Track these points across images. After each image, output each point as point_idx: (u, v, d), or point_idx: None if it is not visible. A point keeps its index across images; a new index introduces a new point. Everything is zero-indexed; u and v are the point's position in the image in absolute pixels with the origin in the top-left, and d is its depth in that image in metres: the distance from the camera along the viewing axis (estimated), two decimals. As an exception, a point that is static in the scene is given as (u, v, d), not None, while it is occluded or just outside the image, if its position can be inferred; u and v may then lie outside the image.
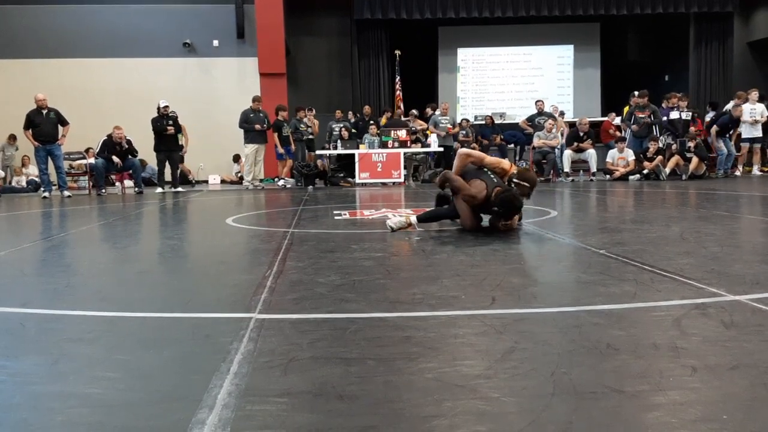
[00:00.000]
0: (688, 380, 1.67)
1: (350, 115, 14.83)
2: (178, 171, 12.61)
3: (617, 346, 1.94)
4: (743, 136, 12.46)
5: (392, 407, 1.54)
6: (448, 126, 13.58)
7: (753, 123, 12.25)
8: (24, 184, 13.64)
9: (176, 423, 1.45)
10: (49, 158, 10.97)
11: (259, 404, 1.56)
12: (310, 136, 13.34)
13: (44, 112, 10.83)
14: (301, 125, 13.04)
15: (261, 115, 12.42)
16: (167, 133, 11.84)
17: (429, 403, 1.55)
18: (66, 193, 11.04)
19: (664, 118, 12.33)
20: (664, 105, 12.65)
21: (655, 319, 2.27)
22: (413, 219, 4.85)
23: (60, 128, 11.01)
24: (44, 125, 10.79)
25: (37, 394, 1.69)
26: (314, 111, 13.77)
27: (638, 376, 1.70)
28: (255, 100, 12.59)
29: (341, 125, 13.63)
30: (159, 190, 11.96)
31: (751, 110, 12.30)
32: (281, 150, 12.80)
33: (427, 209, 5.39)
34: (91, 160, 12.40)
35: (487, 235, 4.53)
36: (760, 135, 12.39)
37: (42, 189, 11.15)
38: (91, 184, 12.31)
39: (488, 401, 1.55)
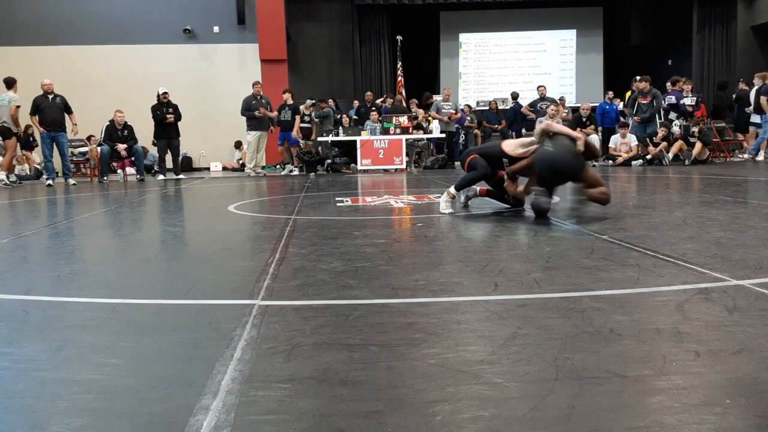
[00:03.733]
0: (691, 365, 1.66)
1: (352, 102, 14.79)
2: (180, 158, 12.60)
3: (620, 331, 1.94)
4: (753, 120, 12.35)
5: (395, 393, 1.54)
6: (451, 111, 13.53)
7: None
8: (27, 171, 13.63)
9: (180, 409, 1.46)
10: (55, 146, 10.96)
11: (262, 390, 1.57)
12: (308, 125, 13.30)
13: (50, 97, 10.80)
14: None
15: (263, 101, 12.36)
16: (167, 121, 11.81)
17: (432, 388, 1.55)
18: (71, 180, 11.03)
19: (681, 102, 12.25)
20: (679, 88, 12.55)
21: (657, 304, 2.27)
22: (451, 190, 5.03)
23: (66, 116, 10.98)
24: (49, 111, 10.75)
25: (41, 381, 1.69)
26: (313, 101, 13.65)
27: (641, 361, 1.70)
28: (254, 84, 12.52)
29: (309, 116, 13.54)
30: (161, 177, 11.96)
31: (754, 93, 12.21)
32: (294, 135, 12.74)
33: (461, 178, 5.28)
34: (86, 149, 12.40)
35: (489, 221, 4.52)
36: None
37: (45, 176, 11.14)
38: (91, 170, 12.32)
39: (491, 386, 1.55)
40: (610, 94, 13.94)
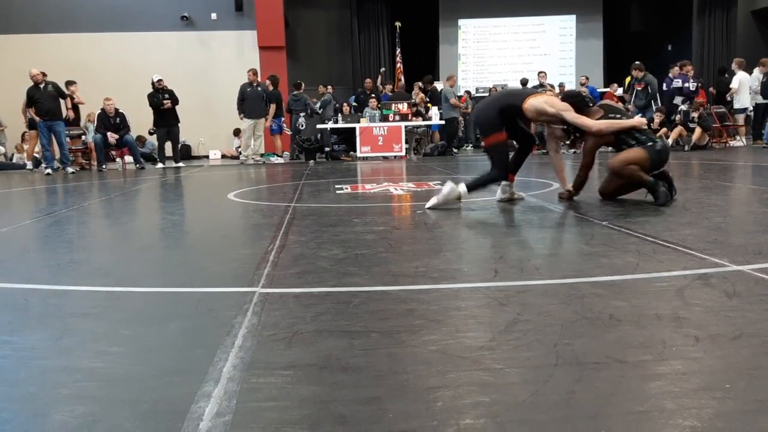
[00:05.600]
0: (691, 350, 1.67)
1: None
2: (179, 146, 12.57)
3: (620, 317, 1.94)
4: (742, 106, 12.36)
5: (396, 379, 1.54)
6: (463, 97, 13.50)
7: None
8: (25, 160, 13.59)
9: (182, 396, 1.46)
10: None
11: (264, 377, 1.57)
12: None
13: (42, 86, 10.72)
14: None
15: (259, 88, 12.27)
16: (164, 107, 11.76)
17: (433, 374, 1.56)
18: (69, 169, 11.00)
19: (686, 85, 12.26)
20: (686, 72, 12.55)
21: (657, 289, 2.27)
22: (462, 189, 4.52)
23: (61, 102, 10.93)
24: (44, 100, 10.69)
25: (43, 369, 1.70)
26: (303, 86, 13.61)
27: (641, 346, 1.70)
28: (249, 72, 12.41)
29: (320, 101, 13.49)
30: (160, 165, 11.94)
31: (738, 81, 12.27)
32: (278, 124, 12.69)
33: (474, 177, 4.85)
34: (78, 131, 12.41)
35: (489, 208, 4.52)
36: (747, 105, 12.36)
37: (44, 165, 11.11)
38: (90, 159, 12.31)
39: (491, 372, 1.56)
40: (582, 79, 14.03)
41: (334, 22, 16.94)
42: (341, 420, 1.34)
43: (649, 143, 4.42)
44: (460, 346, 1.75)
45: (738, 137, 12.66)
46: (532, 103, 4.54)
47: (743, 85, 12.20)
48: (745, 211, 4.33)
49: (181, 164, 12.06)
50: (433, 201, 4.54)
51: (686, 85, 12.25)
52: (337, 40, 16.99)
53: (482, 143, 4.88)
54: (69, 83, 11.61)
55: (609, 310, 2.01)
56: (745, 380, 1.47)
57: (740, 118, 12.45)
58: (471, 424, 1.30)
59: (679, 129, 11.55)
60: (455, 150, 13.32)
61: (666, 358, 1.62)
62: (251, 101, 12.17)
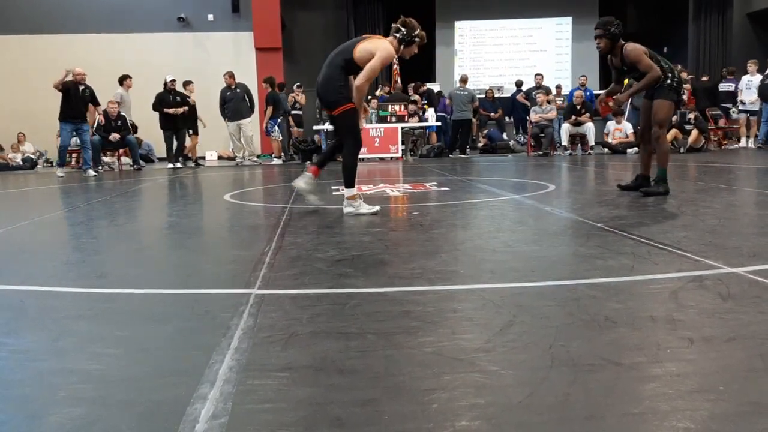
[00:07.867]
0: (685, 352, 1.68)
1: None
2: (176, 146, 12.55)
3: (615, 319, 1.95)
4: (742, 108, 12.43)
5: (392, 381, 1.55)
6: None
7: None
8: (19, 161, 13.56)
9: (178, 398, 1.47)
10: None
11: (260, 379, 1.57)
12: (299, 112, 13.28)
13: (81, 88, 10.64)
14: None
15: (238, 90, 12.25)
16: (177, 112, 11.78)
17: (428, 376, 1.56)
18: (91, 172, 10.71)
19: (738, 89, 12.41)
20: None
21: (652, 291, 2.28)
22: (303, 181, 4.69)
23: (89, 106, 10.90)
24: (77, 102, 10.58)
25: (39, 371, 1.70)
26: (303, 87, 13.59)
27: (635, 349, 1.71)
28: (225, 75, 12.36)
29: None
30: (170, 165, 11.92)
31: (748, 81, 12.27)
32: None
33: None
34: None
35: (484, 209, 4.53)
36: (757, 108, 12.36)
37: (83, 167, 10.83)
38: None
39: (487, 374, 1.56)
40: (582, 79, 14.10)
41: (330, 23, 16.93)
42: (337, 422, 1.34)
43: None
44: (455, 347, 1.75)
45: (734, 138, 12.70)
46: (360, 49, 4.60)
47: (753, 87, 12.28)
48: (740, 213, 4.35)
49: (177, 165, 12.04)
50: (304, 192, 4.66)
51: (738, 89, 12.38)
52: (334, 41, 16.91)
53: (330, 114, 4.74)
54: (125, 77, 11.80)
55: (604, 312, 2.02)
56: (739, 382, 1.48)
57: (752, 120, 12.48)
58: (466, 426, 1.30)
59: (674, 131, 11.58)
60: (451, 154, 13.28)
61: (660, 360, 1.62)
62: (231, 104, 12.19)
